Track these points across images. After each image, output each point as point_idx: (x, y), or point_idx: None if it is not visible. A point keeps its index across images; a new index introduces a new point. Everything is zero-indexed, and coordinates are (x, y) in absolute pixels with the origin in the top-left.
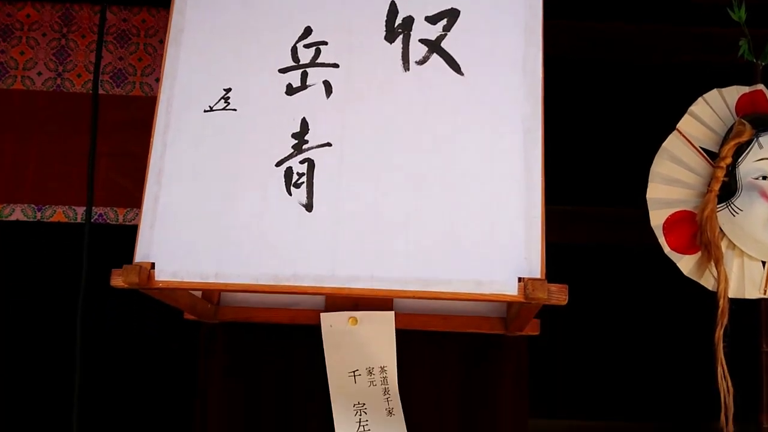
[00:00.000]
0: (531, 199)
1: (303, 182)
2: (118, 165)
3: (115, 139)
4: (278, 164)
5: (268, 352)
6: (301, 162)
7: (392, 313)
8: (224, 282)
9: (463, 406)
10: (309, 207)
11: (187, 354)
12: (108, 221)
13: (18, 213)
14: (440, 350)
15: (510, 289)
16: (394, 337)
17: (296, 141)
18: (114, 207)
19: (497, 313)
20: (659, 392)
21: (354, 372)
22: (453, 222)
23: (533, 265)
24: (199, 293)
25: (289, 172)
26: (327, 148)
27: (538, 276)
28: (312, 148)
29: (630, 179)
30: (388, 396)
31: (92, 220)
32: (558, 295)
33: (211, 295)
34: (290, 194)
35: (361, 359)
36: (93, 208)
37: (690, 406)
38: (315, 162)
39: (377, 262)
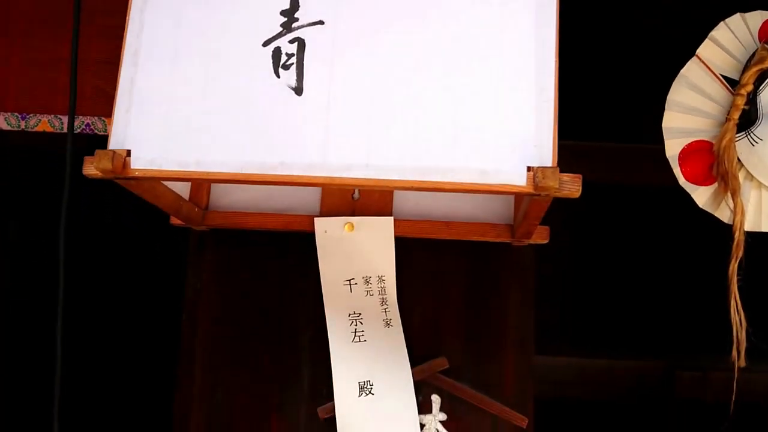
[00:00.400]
0: (543, 81)
1: (292, 63)
2: (107, 73)
3: (104, 45)
4: (265, 44)
5: (260, 260)
6: (291, 41)
7: (391, 218)
8: (206, 171)
9: (466, 319)
10: (299, 90)
11: (175, 260)
12: (95, 131)
13: (1, 122)
14: (442, 259)
15: (518, 178)
16: (393, 244)
17: (285, 19)
18: (102, 117)
19: (504, 220)
20: (669, 327)
21: (350, 281)
22: (456, 106)
23: (544, 153)
24: (184, 192)
25: (277, 53)
26: (319, 26)
27: (550, 165)
28: (302, 26)
29: (644, 112)
30: (385, 307)
31: (79, 130)
32: (571, 185)
33: (199, 198)
34: (278, 76)
35: (357, 267)
36: (80, 117)
37: (701, 341)
38: (306, 41)
39: (373, 149)
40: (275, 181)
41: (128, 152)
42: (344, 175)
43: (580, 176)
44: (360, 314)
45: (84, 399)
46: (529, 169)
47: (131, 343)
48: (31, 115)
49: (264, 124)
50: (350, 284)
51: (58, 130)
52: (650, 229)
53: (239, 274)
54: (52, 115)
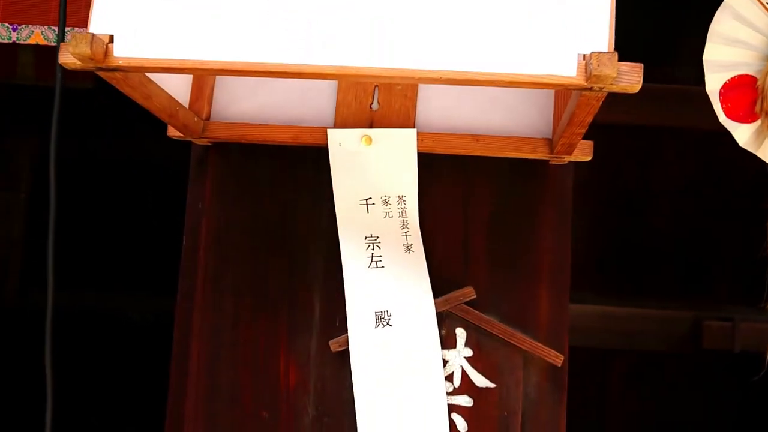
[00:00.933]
0: None
1: None
2: None
3: None
4: None
5: (267, 178)
6: None
7: (414, 130)
8: (200, 59)
9: (495, 245)
10: None
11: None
12: None
13: None
14: (470, 179)
15: (567, 68)
16: (416, 160)
17: None
18: None
19: (541, 133)
20: (699, 276)
21: (366, 201)
22: None
23: (599, 37)
24: (184, 99)
25: None
26: None
27: (605, 50)
28: None
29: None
30: (406, 230)
31: None
32: (630, 76)
33: (200, 106)
34: None
35: (375, 186)
36: (74, 29)
37: (731, 291)
38: None
39: (397, 35)
40: (278, 72)
41: (111, 38)
42: (360, 64)
43: (641, 66)
44: (377, 238)
45: (77, 324)
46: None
47: (128, 270)
48: (23, 26)
49: (272, 7)
50: (367, 204)
51: (52, 43)
52: (681, 173)
53: (245, 194)
54: (46, 27)
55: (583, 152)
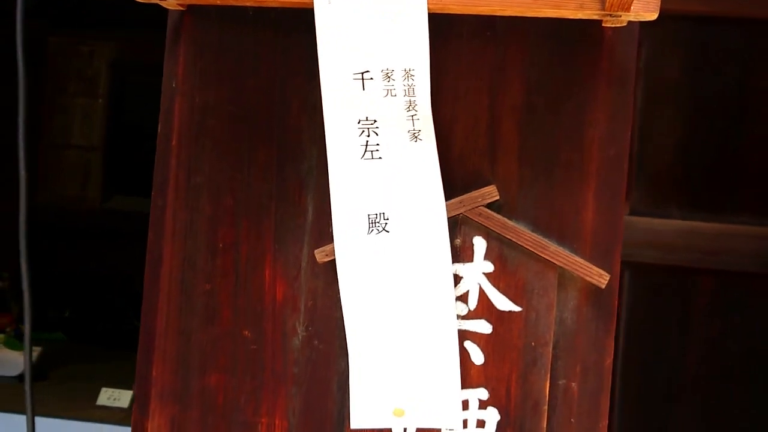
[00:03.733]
0: None
1: None
2: None
3: None
4: None
5: (252, 50)
6: None
7: None
8: None
9: (528, 134)
10: None
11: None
12: None
13: None
14: (497, 47)
15: None
16: (426, 21)
17: None
18: None
19: None
20: None
21: (362, 74)
22: None
23: None
24: None
25: None
26: None
27: None
28: None
29: None
30: (413, 113)
31: None
32: None
33: None
34: None
35: (374, 55)
36: None
37: None
38: None
39: None
40: None
41: None
42: None
43: None
44: (375, 121)
45: None
46: None
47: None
48: None
49: None
50: (363, 79)
51: None
52: None
53: (225, 71)
54: None
55: (646, 6)
